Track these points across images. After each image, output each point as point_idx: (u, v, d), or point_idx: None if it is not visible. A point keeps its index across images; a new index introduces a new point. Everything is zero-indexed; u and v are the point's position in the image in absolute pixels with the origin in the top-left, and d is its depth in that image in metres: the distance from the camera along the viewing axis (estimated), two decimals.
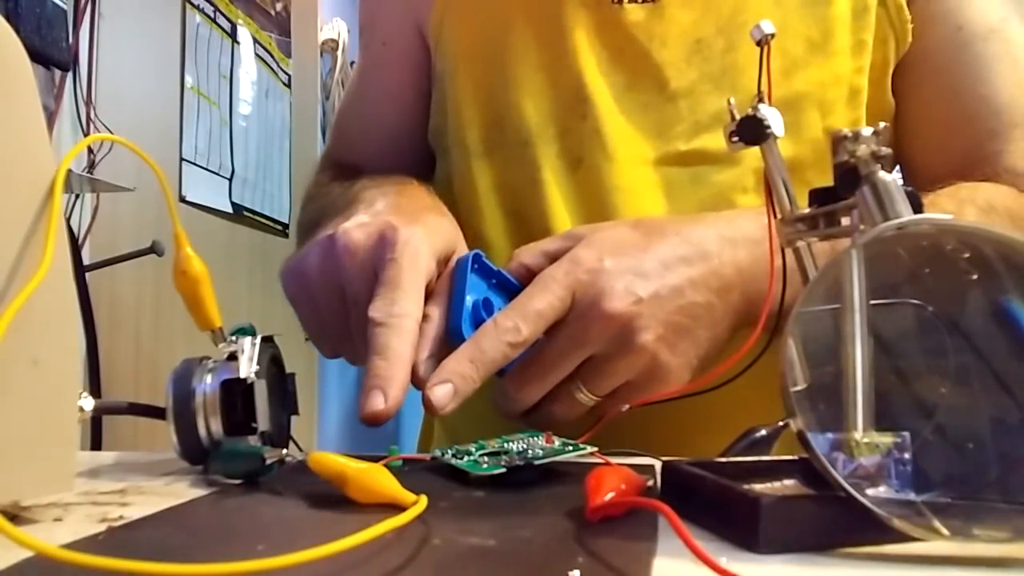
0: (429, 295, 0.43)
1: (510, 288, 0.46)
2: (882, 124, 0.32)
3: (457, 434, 0.61)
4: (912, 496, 0.27)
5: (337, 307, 0.45)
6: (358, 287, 0.43)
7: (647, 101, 0.57)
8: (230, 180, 1.78)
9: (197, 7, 1.66)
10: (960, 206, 0.51)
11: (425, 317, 0.41)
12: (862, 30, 0.56)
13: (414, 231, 0.43)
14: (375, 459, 0.35)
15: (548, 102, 0.58)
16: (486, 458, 0.38)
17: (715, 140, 0.54)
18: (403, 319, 0.39)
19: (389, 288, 0.40)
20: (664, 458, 0.37)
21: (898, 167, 0.61)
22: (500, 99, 0.59)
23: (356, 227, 0.44)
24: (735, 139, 0.38)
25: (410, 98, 0.67)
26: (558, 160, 0.58)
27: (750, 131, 0.37)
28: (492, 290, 0.46)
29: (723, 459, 0.34)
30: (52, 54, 1.16)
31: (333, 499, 0.32)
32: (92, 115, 1.26)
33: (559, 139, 0.58)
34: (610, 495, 0.29)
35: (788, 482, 0.31)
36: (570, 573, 0.23)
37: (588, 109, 0.57)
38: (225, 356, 0.39)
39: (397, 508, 0.29)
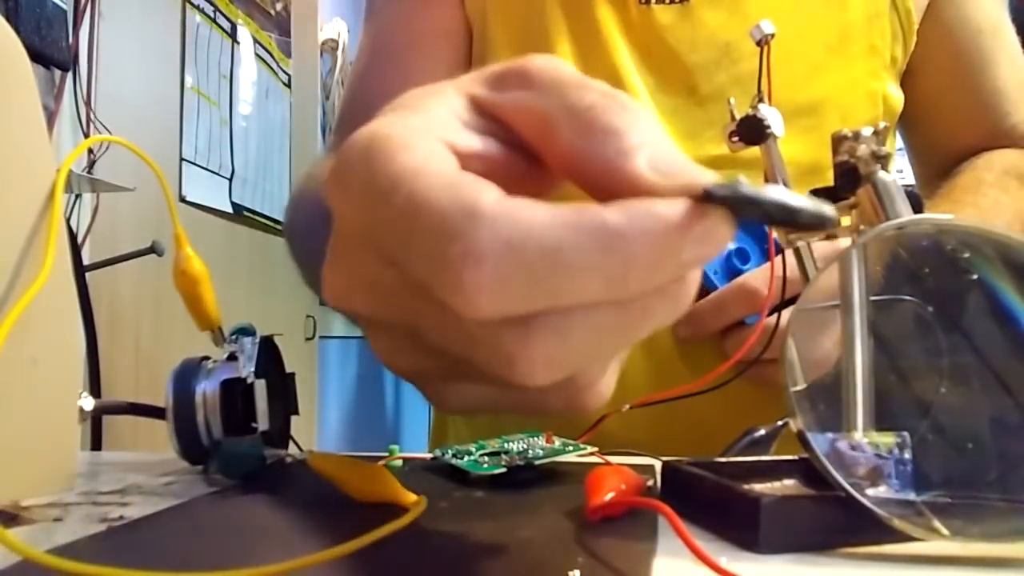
0: None
1: (760, 234, 0.46)
2: (882, 124, 0.32)
3: (478, 427, 0.61)
4: (912, 496, 0.27)
5: None
6: None
7: (676, 105, 0.56)
8: (230, 180, 1.78)
9: (197, 7, 1.66)
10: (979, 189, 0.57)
11: None
12: (875, 34, 0.58)
13: None
14: (375, 459, 0.35)
15: None
16: (486, 458, 0.38)
17: None
18: None
19: None
20: (664, 458, 0.37)
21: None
22: None
23: None
24: (735, 139, 0.38)
25: (443, 72, 0.66)
26: None
27: (750, 131, 0.37)
28: (747, 237, 0.46)
29: (723, 459, 0.34)
30: (52, 54, 1.16)
31: (333, 499, 0.32)
32: (92, 115, 1.26)
33: None
34: (610, 495, 0.29)
35: (788, 482, 0.31)
36: (570, 573, 0.23)
37: None
38: (225, 356, 0.39)
39: (397, 508, 0.29)
